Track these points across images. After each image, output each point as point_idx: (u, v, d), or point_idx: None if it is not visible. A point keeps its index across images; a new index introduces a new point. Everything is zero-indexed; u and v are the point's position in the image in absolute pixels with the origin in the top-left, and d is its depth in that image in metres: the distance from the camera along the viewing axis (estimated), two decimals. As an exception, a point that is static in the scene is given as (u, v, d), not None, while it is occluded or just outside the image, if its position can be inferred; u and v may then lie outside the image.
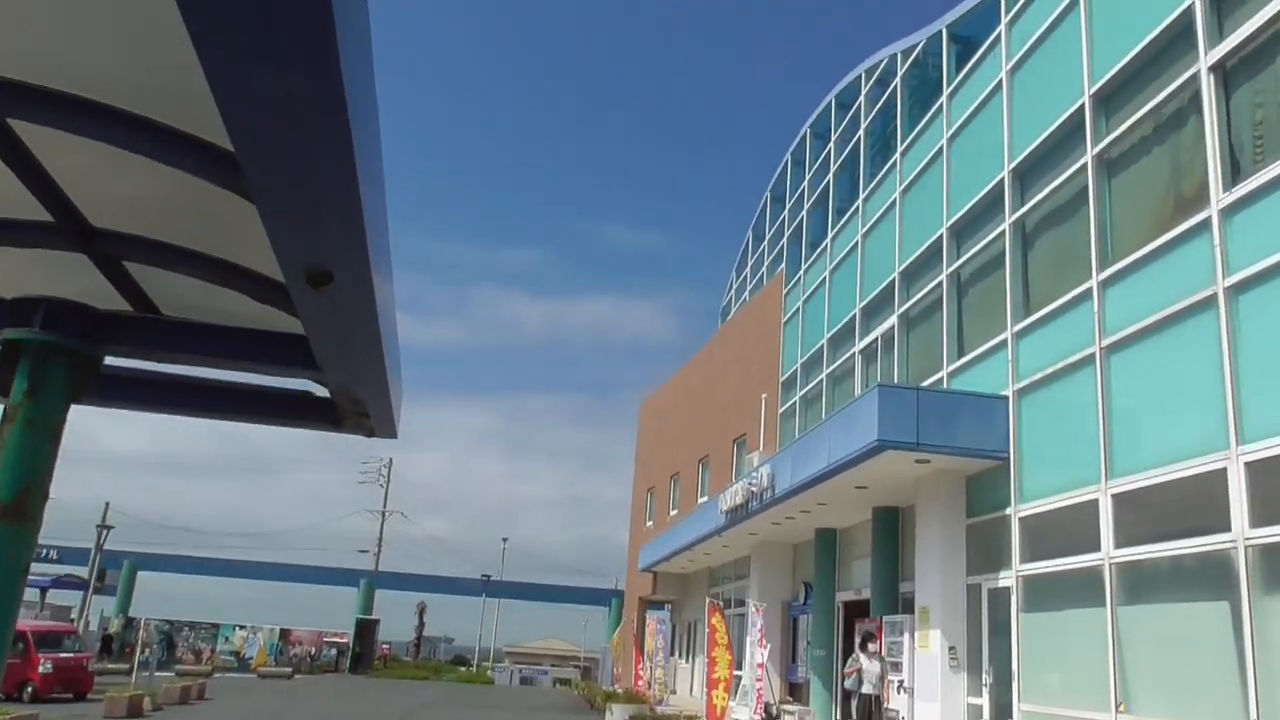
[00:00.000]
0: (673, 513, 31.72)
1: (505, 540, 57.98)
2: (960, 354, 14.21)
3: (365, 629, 42.89)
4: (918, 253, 15.97)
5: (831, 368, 19.97)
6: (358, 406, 2.57)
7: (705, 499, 27.86)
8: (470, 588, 48.68)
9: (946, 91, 15.69)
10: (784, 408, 23.04)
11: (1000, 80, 13.84)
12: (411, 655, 53.67)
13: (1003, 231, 13.19)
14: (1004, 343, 12.77)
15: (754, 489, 17.36)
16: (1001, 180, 13.37)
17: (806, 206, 23.27)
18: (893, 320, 16.75)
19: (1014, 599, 11.77)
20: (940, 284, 14.97)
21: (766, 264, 27.12)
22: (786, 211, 25.14)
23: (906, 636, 13.87)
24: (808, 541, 21.08)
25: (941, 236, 15.07)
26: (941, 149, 15.56)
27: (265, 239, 1.68)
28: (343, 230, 1.62)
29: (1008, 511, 12.15)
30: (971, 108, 14.73)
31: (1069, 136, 11.99)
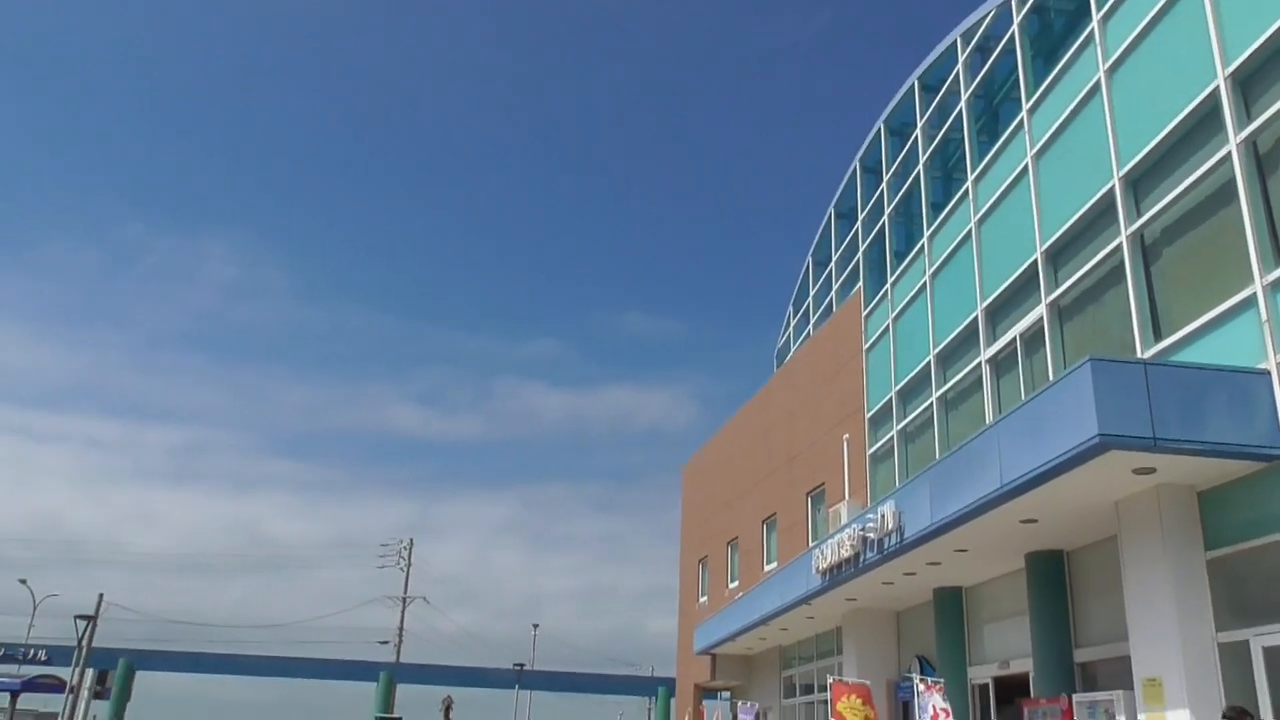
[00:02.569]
0: (732, 585, 27.75)
1: (536, 627, 53.68)
2: (1162, 331, 10.63)
3: (386, 729, 38.56)
4: (1072, 219, 12.50)
5: (944, 388, 16.34)
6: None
7: (774, 565, 23.99)
8: (501, 679, 44.31)
9: (1097, 15, 12.41)
10: (875, 448, 19.35)
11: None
12: (438, 758, 48.95)
13: (1226, 152, 9.72)
14: (1248, 301, 9.20)
15: (870, 535, 13.62)
16: (1217, 88, 9.97)
17: (888, 212, 19.93)
18: (1039, 312, 13.19)
19: (1322, 661, 7.98)
20: (1118, 248, 11.46)
21: (835, 289, 23.68)
22: (859, 224, 21.80)
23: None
24: (918, 606, 17.23)
25: (1113, 189, 11.62)
26: (1099, 82, 12.21)
27: None
28: None
29: (1292, 533, 8.44)
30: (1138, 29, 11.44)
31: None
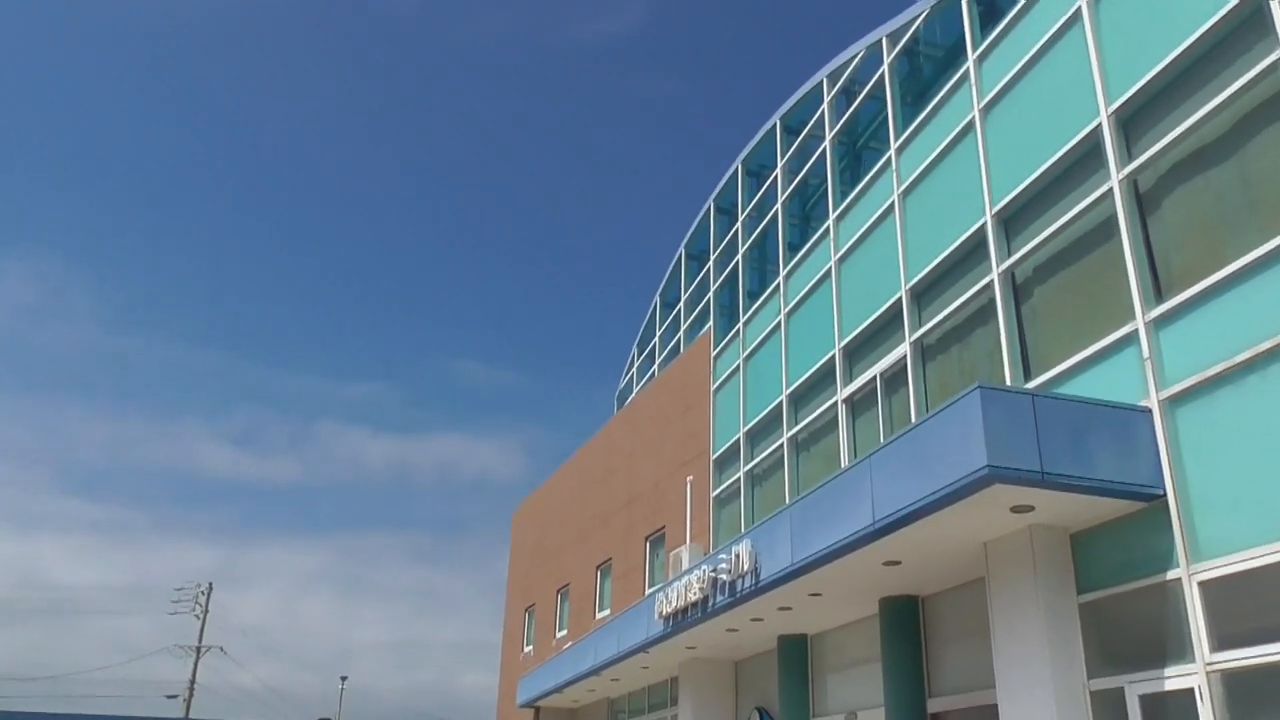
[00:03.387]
0: (560, 634, 26.51)
1: (344, 679, 50.25)
2: (1032, 370, 10.42)
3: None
4: (940, 257, 12.33)
5: (795, 429, 15.92)
6: None
7: (607, 613, 22.98)
8: (301, 737, 40.84)
9: (973, 55, 12.41)
10: (719, 490, 18.76)
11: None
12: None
13: (1107, 189, 9.64)
14: (1128, 338, 9.04)
15: (722, 577, 12.85)
16: (1099, 126, 9.93)
17: (742, 251, 19.63)
18: (901, 350, 12.92)
19: (1203, 707, 7.64)
20: (988, 286, 11.28)
21: (684, 329, 23.22)
22: (711, 264, 21.45)
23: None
24: (759, 655, 16.62)
25: (985, 227, 11.48)
26: (973, 120, 12.16)
27: None
28: None
29: (1171, 575, 8.17)
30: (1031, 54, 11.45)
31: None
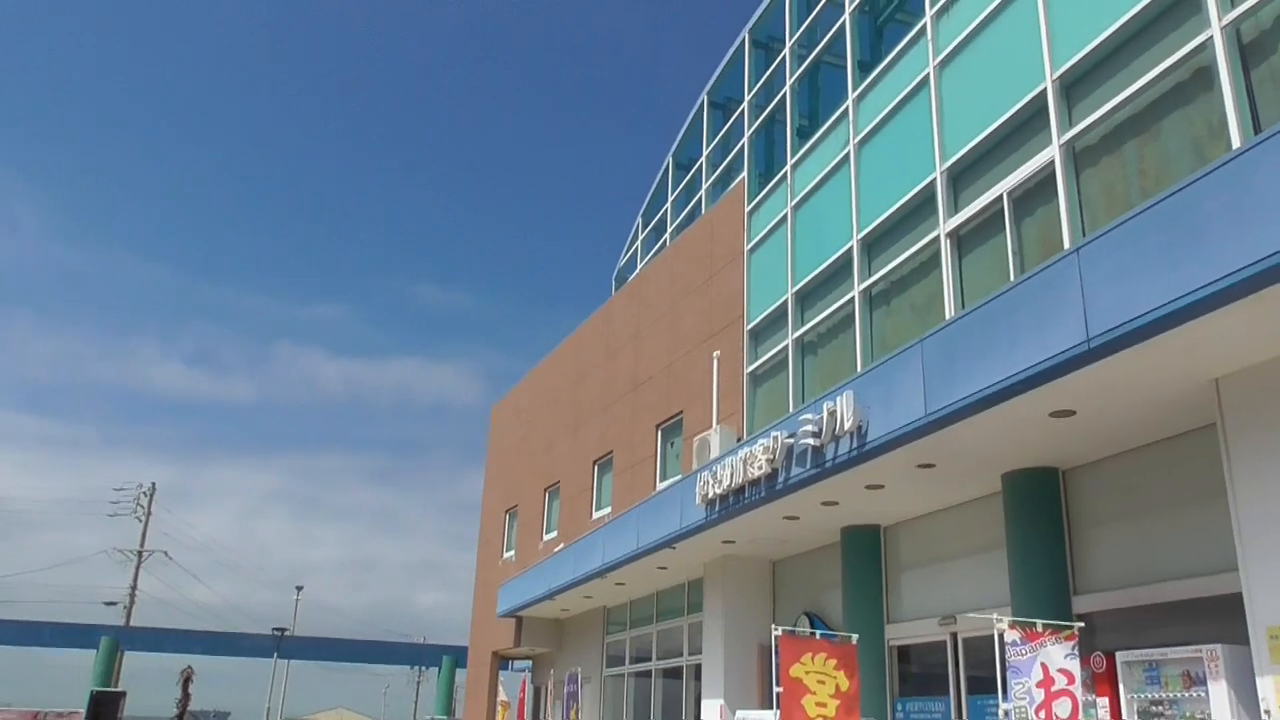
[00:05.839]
0: (548, 536, 23.77)
1: (300, 589, 47.41)
2: None
3: (104, 705, 31.82)
4: (1105, 35, 9.28)
5: (871, 280, 12.97)
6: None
7: (607, 511, 20.23)
8: (258, 646, 38.21)
9: None
10: (756, 365, 15.86)
11: None
12: (171, 737, 42.11)
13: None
14: None
15: (808, 441, 9.94)
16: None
17: (789, 83, 16.42)
18: (1046, 156, 9.92)
19: None
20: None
21: (706, 186, 20.05)
22: (746, 105, 18.21)
23: (1221, 686, 6.76)
24: (807, 554, 13.97)
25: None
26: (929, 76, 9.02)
27: None
28: None
29: None
30: None
31: None
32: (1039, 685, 6.30)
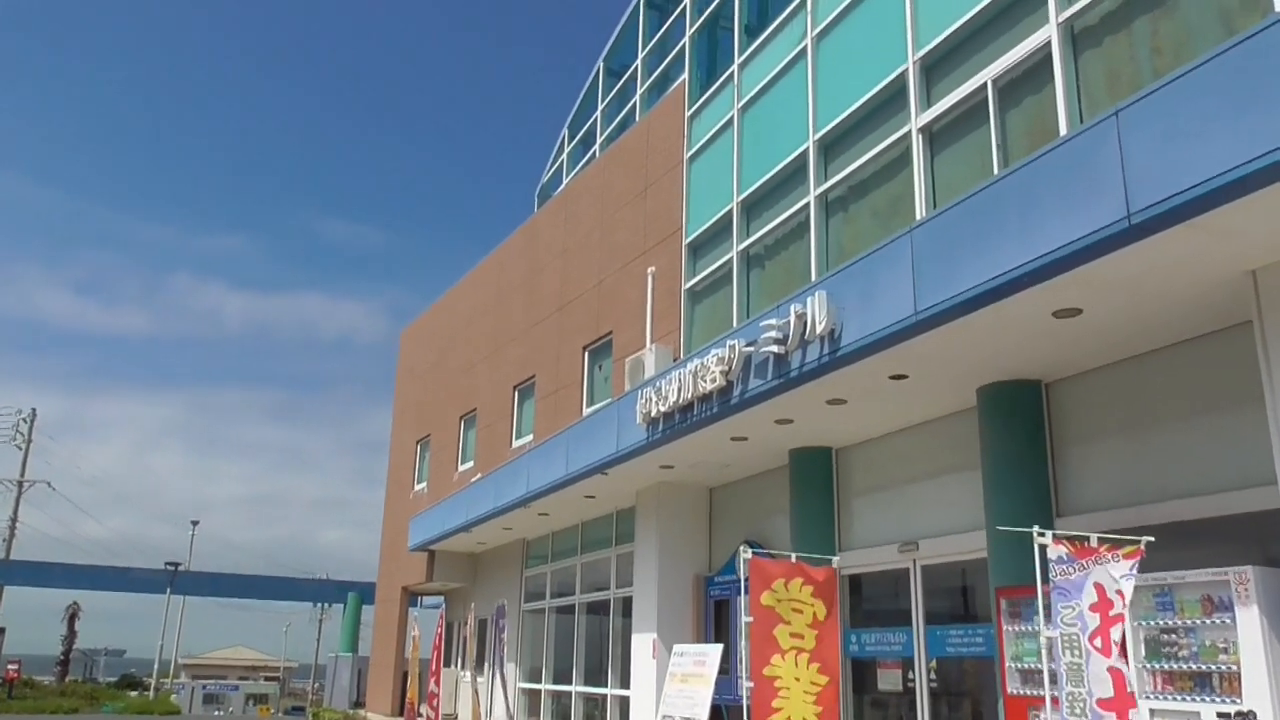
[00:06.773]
0: (464, 467, 22.55)
1: (195, 524, 45.14)
2: None
3: (-20, 644, 29.68)
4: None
5: (827, 184, 11.94)
6: None
7: (529, 439, 19.10)
8: (150, 582, 36.26)
9: None
10: (695, 280, 14.79)
11: None
12: (57, 677, 40.07)
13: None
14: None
15: (770, 349, 8.93)
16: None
17: (737, -23, 15.13)
18: (1042, 36, 8.94)
19: None
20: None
21: (640, 94, 18.71)
22: (687, 4, 16.85)
23: (1253, 612, 6.02)
24: (747, 480, 13.14)
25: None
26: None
27: None
28: None
29: None
30: None
31: None
32: (1092, 609, 5.46)
